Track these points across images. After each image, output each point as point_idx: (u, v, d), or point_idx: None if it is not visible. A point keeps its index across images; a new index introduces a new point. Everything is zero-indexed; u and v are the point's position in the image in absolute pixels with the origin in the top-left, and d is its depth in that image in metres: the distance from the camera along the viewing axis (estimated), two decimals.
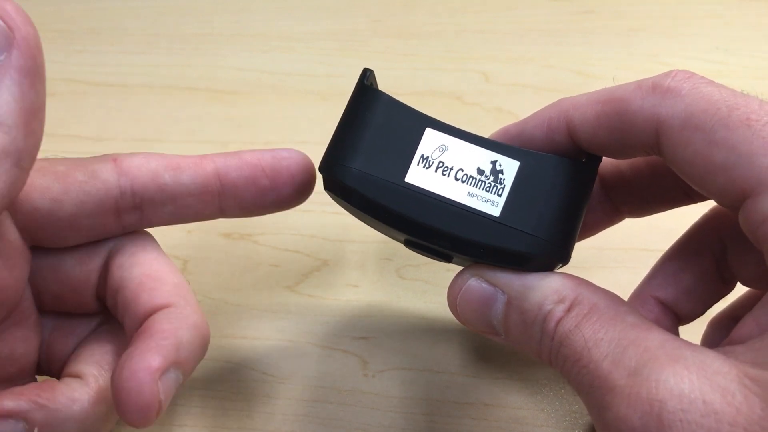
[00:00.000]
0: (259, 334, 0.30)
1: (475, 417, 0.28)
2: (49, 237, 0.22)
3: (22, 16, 0.17)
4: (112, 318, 0.24)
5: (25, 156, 0.18)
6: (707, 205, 0.23)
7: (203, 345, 0.22)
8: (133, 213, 0.23)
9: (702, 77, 0.19)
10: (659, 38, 0.42)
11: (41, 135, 0.18)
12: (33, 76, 0.17)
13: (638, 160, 0.24)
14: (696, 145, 0.18)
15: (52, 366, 0.24)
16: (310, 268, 0.33)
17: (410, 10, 0.45)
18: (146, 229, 0.25)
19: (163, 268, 0.23)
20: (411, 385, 0.29)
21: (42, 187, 0.22)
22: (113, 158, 0.23)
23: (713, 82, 0.19)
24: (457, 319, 0.23)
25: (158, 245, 0.25)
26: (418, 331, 0.30)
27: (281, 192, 0.24)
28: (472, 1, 0.45)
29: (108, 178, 0.22)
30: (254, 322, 0.31)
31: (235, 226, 0.34)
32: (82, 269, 0.23)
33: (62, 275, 0.23)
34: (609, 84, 0.22)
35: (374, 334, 0.30)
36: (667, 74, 0.19)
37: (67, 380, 0.22)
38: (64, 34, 0.44)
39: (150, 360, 0.19)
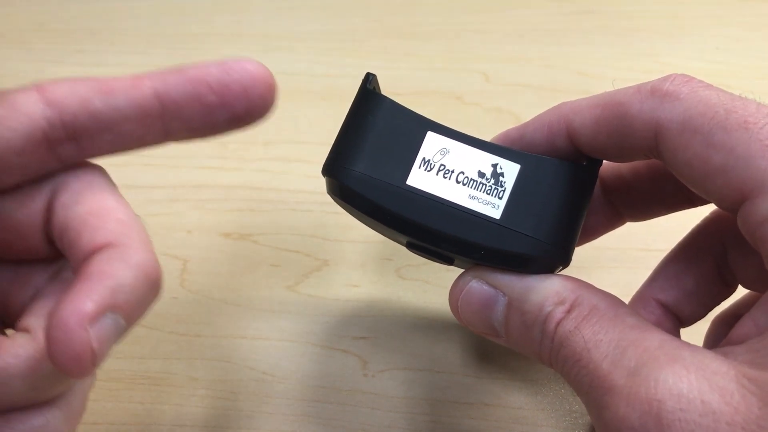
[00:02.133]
0: (259, 334, 0.30)
1: (476, 417, 0.28)
2: None
3: None
4: (69, 264, 0.22)
5: None
6: (708, 208, 0.24)
7: (150, 285, 0.20)
8: (68, 145, 0.21)
9: (700, 81, 0.19)
10: (659, 38, 0.42)
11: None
12: None
13: (639, 164, 0.24)
14: (694, 148, 0.18)
15: (13, 319, 0.23)
16: (310, 268, 0.33)
17: (410, 10, 0.45)
18: (98, 164, 0.23)
19: (109, 204, 0.21)
20: (411, 385, 0.29)
21: None
22: (37, 87, 0.21)
23: (711, 85, 0.19)
24: (459, 321, 0.23)
25: (108, 179, 0.22)
26: (418, 331, 0.30)
27: (233, 109, 0.21)
28: (472, 1, 0.45)
29: (32, 109, 0.20)
30: (254, 322, 0.31)
31: (235, 226, 0.34)
32: (24, 212, 0.21)
33: (4, 220, 0.21)
34: (608, 84, 0.22)
35: (374, 334, 0.30)
36: (666, 78, 0.20)
37: (13, 335, 0.20)
38: (64, 34, 0.44)
39: (80, 305, 0.18)
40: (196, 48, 0.43)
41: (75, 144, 0.21)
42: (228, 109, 0.21)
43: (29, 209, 0.22)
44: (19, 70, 0.42)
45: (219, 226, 0.34)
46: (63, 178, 0.22)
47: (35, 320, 0.21)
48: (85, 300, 0.18)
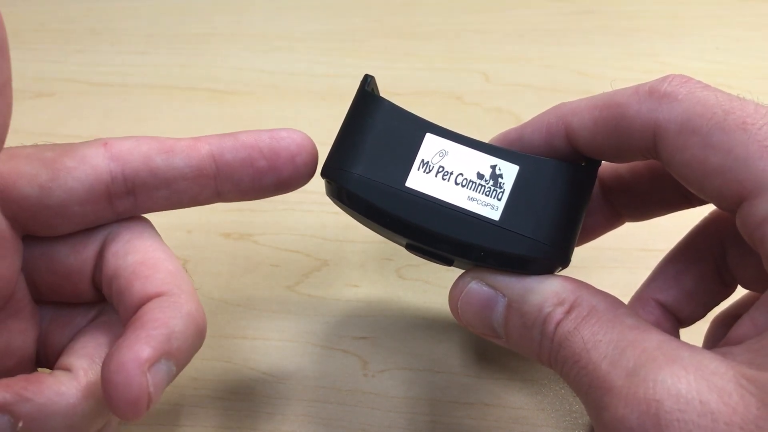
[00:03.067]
0: (259, 334, 0.30)
1: (476, 417, 0.28)
2: (40, 225, 0.22)
3: None
4: (110, 308, 0.23)
5: None
6: (707, 208, 0.24)
7: (198, 334, 0.21)
8: (126, 199, 0.22)
9: (698, 81, 0.19)
10: (659, 38, 0.42)
11: (8, 112, 0.18)
12: None
13: (637, 164, 0.24)
14: (693, 149, 0.18)
15: (50, 358, 0.24)
16: (310, 268, 0.33)
17: (410, 10, 0.45)
18: (146, 216, 0.24)
19: (159, 255, 0.22)
20: (411, 385, 0.29)
21: (29, 174, 0.21)
22: (103, 142, 0.22)
23: (709, 86, 0.19)
24: (459, 322, 0.23)
25: (155, 232, 0.24)
26: (419, 331, 0.30)
27: (281, 174, 0.23)
28: (472, 1, 0.45)
29: (98, 163, 0.22)
30: (254, 322, 0.31)
31: (235, 226, 0.34)
32: (77, 258, 0.23)
33: (57, 264, 0.23)
34: (608, 85, 0.22)
35: (374, 334, 0.30)
36: (664, 79, 0.20)
37: (56, 373, 0.21)
38: (64, 34, 0.44)
39: (139, 351, 0.19)
40: (196, 48, 0.43)
41: (132, 198, 0.23)
42: (276, 174, 0.23)
43: (82, 256, 0.23)
44: (19, 70, 0.42)
45: (219, 226, 0.34)
46: (115, 227, 0.23)
47: (76, 360, 0.21)
48: (144, 346, 0.19)
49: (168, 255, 0.23)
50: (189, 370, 0.29)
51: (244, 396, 0.29)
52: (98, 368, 0.21)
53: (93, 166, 0.22)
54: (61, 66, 0.42)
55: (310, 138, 0.24)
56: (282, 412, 0.28)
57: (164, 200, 0.23)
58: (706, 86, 0.19)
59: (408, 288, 0.32)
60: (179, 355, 0.20)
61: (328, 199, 0.23)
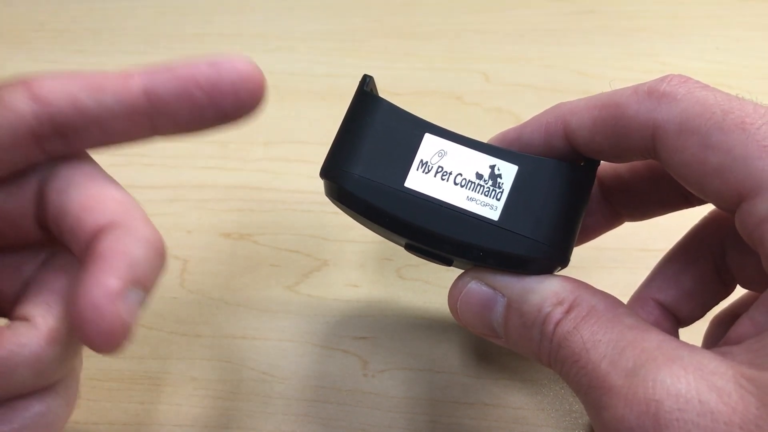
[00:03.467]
0: (259, 334, 0.30)
1: (476, 417, 0.28)
2: None
3: None
4: (59, 250, 0.23)
5: None
6: (707, 208, 0.24)
7: (159, 257, 0.20)
8: (56, 140, 0.21)
9: (697, 81, 0.19)
10: (659, 38, 0.42)
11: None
12: None
13: (637, 164, 0.24)
14: (692, 149, 0.18)
15: (4, 307, 0.23)
16: (310, 268, 0.33)
17: (410, 10, 0.45)
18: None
19: (104, 185, 0.21)
20: (411, 385, 0.29)
21: None
22: (24, 82, 0.21)
23: (708, 86, 0.19)
24: (458, 322, 0.23)
25: (95, 163, 0.23)
26: (418, 331, 0.30)
27: (222, 107, 0.21)
28: (472, 1, 0.45)
29: (20, 106, 0.20)
30: (254, 322, 0.31)
31: (235, 226, 0.34)
32: (16, 200, 0.22)
33: None
34: (607, 85, 0.22)
35: (374, 334, 0.30)
36: (663, 79, 0.20)
37: (13, 324, 0.20)
38: (64, 34, 0.44)
39: (106, 283, 0.18)
40: (196, 48, 0.43)
41: (62, 139, 0.21)
42: (216, 107, 0.21)
43: (19, 198, 0.22)
44: (19, 70, 0.42)
45: (219, 226, 0.34)
46: (52, 165, 0.22)
47: (33, 308, 0.21)
48: (109, 277, 0.18)
49: (113, 183, 0.22)
50: (189, 370, 0.29)
51: (244, 396, 0.29)
52: (56, 313, 0.21)
53: (15, 110, 0.20)
54: (61, 66, 0.42)
55: (254, 64, 0.22)
56: (282, 412, 0.28)
57: (96, 139, 0.22)
58: (705, 86, 0.19)
59: (408, 288, 0.32)
60: (145, 281, 0.19)
61: (327, 199, 0.23)
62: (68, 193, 0.21)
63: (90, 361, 0.27)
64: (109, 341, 0.18)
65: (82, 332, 0.18)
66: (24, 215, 0.22)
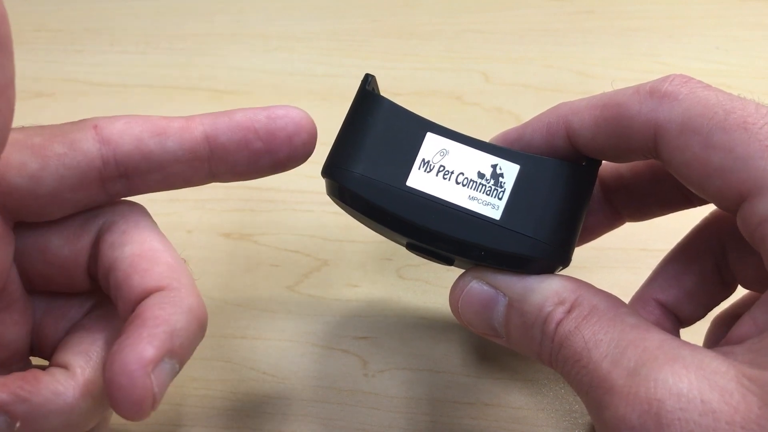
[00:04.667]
0: (259, 334, 0.30)
1: (476, 417, 0.28)
2: (31, 213, 0.21)
3: None
4: (107, 299, 0.23)
5: None
6: (708, 208, 0.24)
7: (200, 329, 0.21)
8: (119, 182, 0.22)
9: (699, 81, 0.19)
10: (659, 38, 0.42)
11: (10, 114, 0.17)
12: None
13: (638, 164, 0.24)
14: (693, 149, 0.18)
15: (45, 350, 0.23)
16: (310, 268, 0.33)
17: (410, 10, 0.45)
18: (140, 203, 0.24)
19: (157, 247, 0.22)
20: (411, 385, 0.29)
21: (18, 163, 0.20)
22: (93, 124, 0.21)
23: (710, 86, 0.19)
24: (459, 322, 0.23)
25: (152, 220, 0.23)
26: (419, 331, 0.30)
27: (277, 155, 0.22)
28: (472, 1, 0.45)
29: (89, 148, 0.21)
30: (254, 322, 0.31)
31: (235, 226, 0.34)
32: (71, 248, 0.22)
33: (50, 255, 0.22)
34: (608, 85, 0.22)
35: (374, 334, 0.30)
36: (665, 79, 0.20)
37: (52, 371, 0.21)
38: (64, 34, 0.44)
39: (142, 351, 0.18)
40: (196, 48, 0.43)
41: (125, 181, 0.22)
42: (272, 155, 0.22)
43: (76, 246, 0.22)
44: (19, 70, 0.42)
45: (219, 226, 0.34)
46: (110, 216, 0.22)
47: (72, 357, 0.21)
48: (147, 346, 0.18)
49: (166, 246, 0.22)
50: (189, 370, 0.29)
51: (244, 396, 0.28)
52: (95, 365, 0.21)
53: (83, 151, 0.21)
54: (61, 66, 0.42)
55: (308, 115, 0.23)
56: (282, 412, 0.28)
57: (157, 182, 0.22)
58: (707, 86, 0.19)
59: (408, 288, 0.32)
60: (182, 352, 0.20)
61: (328, 199, 0.23)
62: (122, 249, 0.21)
63: None
64: (136, 411, 0.18)
65: (111, 396, 0.18)
66: (78, 264, 0.22)
